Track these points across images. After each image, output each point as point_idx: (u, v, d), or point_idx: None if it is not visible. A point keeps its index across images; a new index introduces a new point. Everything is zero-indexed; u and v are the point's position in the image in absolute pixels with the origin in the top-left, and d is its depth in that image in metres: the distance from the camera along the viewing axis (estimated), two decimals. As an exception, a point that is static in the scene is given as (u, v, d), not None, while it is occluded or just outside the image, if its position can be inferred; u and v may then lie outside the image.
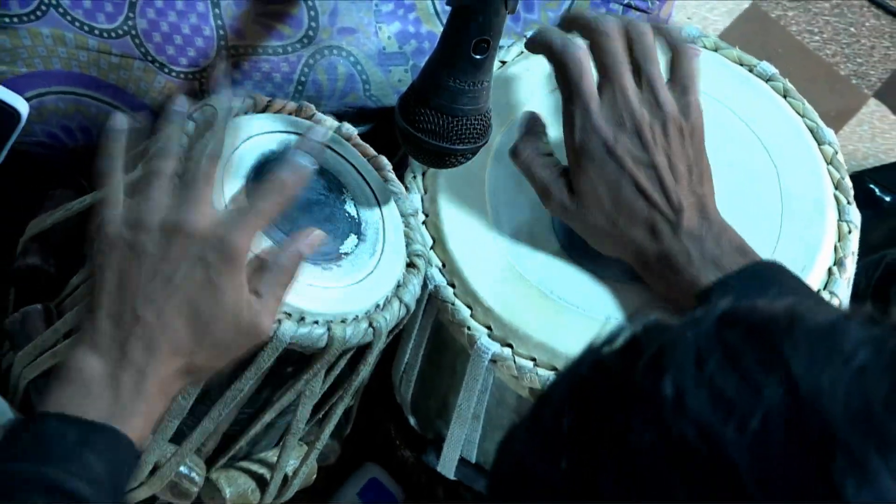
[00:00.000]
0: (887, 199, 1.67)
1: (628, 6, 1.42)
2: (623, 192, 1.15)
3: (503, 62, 1.33)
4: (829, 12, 1.90)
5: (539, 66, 1.32)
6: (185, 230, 1.00)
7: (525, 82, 1.32)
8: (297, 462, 1.25)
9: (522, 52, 1.34)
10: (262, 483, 1.25)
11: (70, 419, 0.96)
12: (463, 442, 1.29)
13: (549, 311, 1.20)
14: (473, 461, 1.32)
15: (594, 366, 0.66)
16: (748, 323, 0.63)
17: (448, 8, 1.11)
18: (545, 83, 1.31)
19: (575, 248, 1.23)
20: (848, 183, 1.27)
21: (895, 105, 1.85)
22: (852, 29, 1.89)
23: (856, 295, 1.29)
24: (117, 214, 1.01)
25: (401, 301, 1.17)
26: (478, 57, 1.10)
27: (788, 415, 0.59)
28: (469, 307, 1.22)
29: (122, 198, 1.02)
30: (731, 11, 1.88)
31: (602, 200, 1.16)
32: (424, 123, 1.13)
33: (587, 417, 0.64)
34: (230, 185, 1.13)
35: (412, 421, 1.38)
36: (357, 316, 1.14)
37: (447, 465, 1.32)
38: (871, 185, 1.67)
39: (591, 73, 1.17)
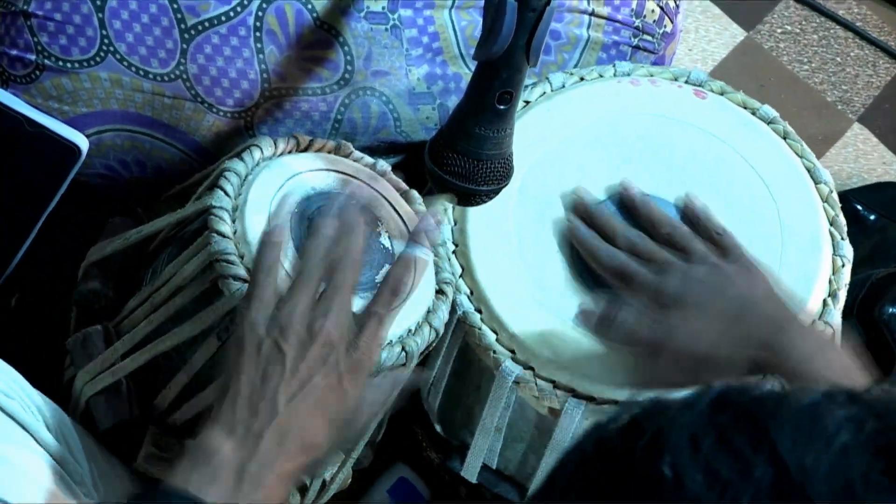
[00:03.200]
0: (871, 217, 1.66)
1: (636, 48, 1.41)
2: (729, 319, 1.13)
3: (526, 102, 1.32)
4: (816, 43, 1.89)
5: (559, 107, 1.31)
6: (324, 338, 0.98)
7: (547, 122, 1.31)
8: (334, 469, 1.25)
9: (544, 93, 1.33)
10: (301, 489, 1.24)
11: (192, 500, 0.93)
12: (485, 451, 1.29)
13: (568, 337, 1.20)
14: (494, 467, 1.32)
15: (598, 444, 0.65)
16: (738, 405, 0.62)
17: (473, 59, 1.10)
18: (565, 122, 1.30)
19: (591, 278, 1.22)
20: (842, 220, 1.27)
21: (877, 129, 1.84)
22: (838, 59, 1.88)
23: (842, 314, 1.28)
24: (265, 316, 1.00)
25: (431, 326, 1.16)
26: (501, 107, 1.10)
27: (776, 493, 0.59)
28: (495, 332, 1.22)
29: (272, 302, 1.00)
30: (727, 44, 1.87)
31: (710, 332, 1.12)
32: (451, 166, 1.12)
33: (592, 495, 0.63)
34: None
35: (438, 428, 1.37)
36: (391, 341, 1.13)
37: (470, 471, 1.32)
38: (856, 205, 1.66)
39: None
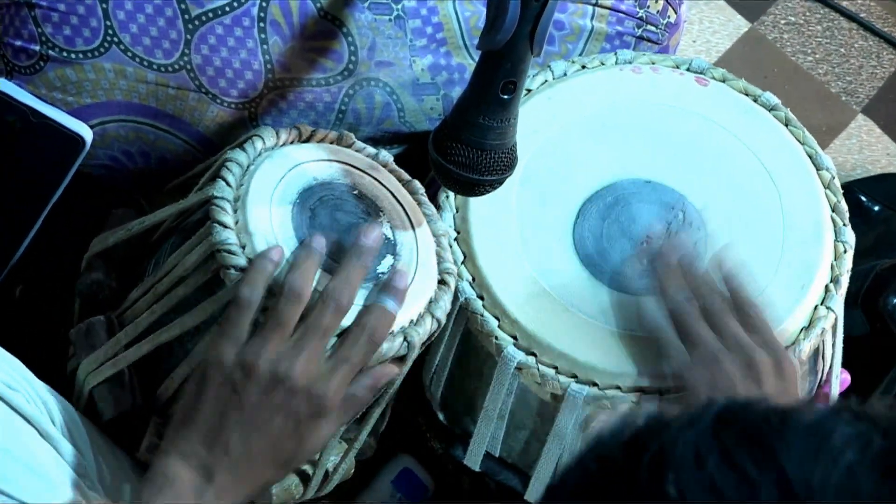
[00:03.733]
0: (875, 208, 1.66)
1: (640, 38, 1.41)
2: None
3: (528, 90, 1.32)
4: (820, 35, 1.89)
5: (561, 95, 1.32)
6: (288, 385, 1.00)
7: (548, 110, 1.31)
8: (337, 459, 1.25)
9: (546, 82, 1.33)
10: (304, 478, 1.24)
11: None
12: (488, 438, 1.29)
13: (570, 323, 1.20)
14: (497, 455, 1.32)
15: (600, 460, 0.65)
16: (743, 422, 0.62)
17: (476, 49, 1.10)
18: (567, 110, 1.30)
19: (595, 265, 1.22)
20: (843, 206, 1.27)
21: (881, 120, 1.84)
22: (842, 50, 1.88)
23: (846, 304, 1.28)
24: (233, 351, 1.00)
25: (433, 316, 1.16)
26: (505, 97, 1.09)
27: None
28: (497, 318, 1.22)
29: (245, 333, 1.01)
30: (731, 35, 1.87)
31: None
32: (455, 156, 1.12)
33: None
34: (277, 212, 1.13)
35: (441, 416, 1.37)
36: (393, 331, 1.13)
37: (473, 459, 1.32)
38: (860, 196, 1.66)
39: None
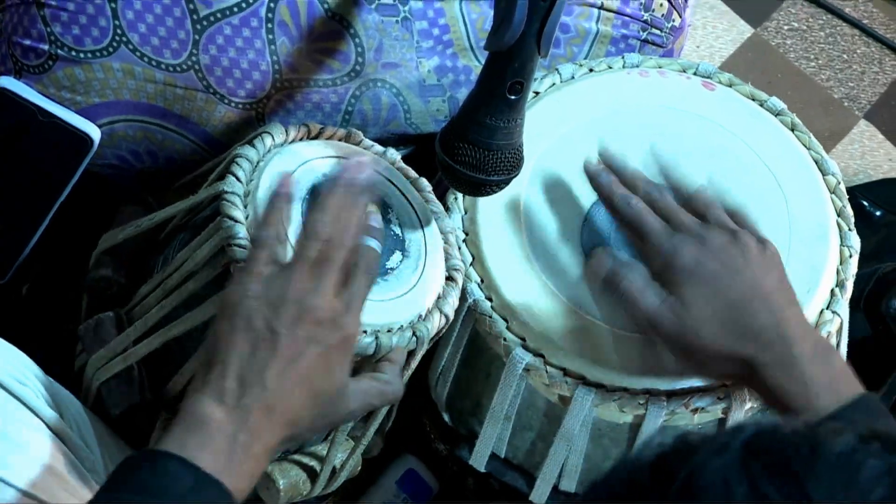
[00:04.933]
0: (877, 213, 1.66)
1: (645, 41, 1.41)
2: (737, 311, 1.11)
3: (536, 93, 1.32)
4: (823, 40, 1.89)
5: (569, 98, 1.32)
6: (314, 316, 0.99)
7: (556, 112, 1.31)
8: (344, 456, 1.25)
9: (553, 84, 1.33)
10: (312, 475, 1.25)
11: (189, 465, 0.93)
12: (494, 439, 1.29)
13: (579, 324, 1.20)
14: (502, 456, 1.32)
15: (629, 483, 0.64)
16: (772, 452, 0.62)
17: (484, 50, 1.10)
18: (575, 113, 1.31)
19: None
20: (849, 210, 1.27)
21: (883, 125, 1.84)
22: (845, 56, 1.89)
23: (849, 307, 1.28)
24: (259, 289, 1.00)
25: (441, 312, 1.17)
26: (512, 97, 1.10)
27: None
28: (505, 320, 1.22)
29: (266, 274, 1.01)
30: (734, 40, 1.88)
31: (714, 322, 1.11)
32: (462, 156, 1.12)
33: None
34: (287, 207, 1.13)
35: (446, 417, 1.37)
36: (402, 326, 1.14)
37: (479, 460, 1.32)
38: (862, 201, 1.67)
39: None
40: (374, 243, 1.06)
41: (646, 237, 1.14)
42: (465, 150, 1.12)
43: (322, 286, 1.00)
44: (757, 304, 1.10)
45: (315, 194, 1.16)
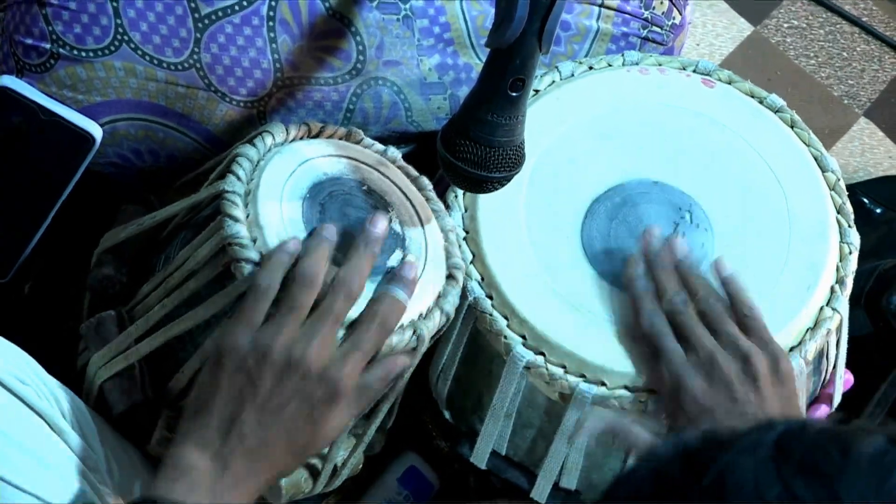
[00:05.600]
0: (877, 210, 1.66)
1: (645, 39, 1.41)
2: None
3: (536, 91, 1.32)
4: (823, 38, 1.89)
5: (569, 95, 1.32)
6: (303, 369, 1.00)
7: (556, 110, 1.31)
8: (346, 453, 1.25)
9: (553, 82, 1.33)
10: (314, 472, 1.24)
11: None
12: (495, 437, 1.29)
13: (578, 322, 1.20)
14: (503, 454, 1.32)
15: (657, 480, 0.64)
16: (803, 452, 0.61)
17: (485, 47, 1.10)
18: (575, 111, 1.31)
19: (602, 264, 1.23)
20: (848, 207, 1.27)
21: (883, 123, 1.84)
22: (844, 54, 1.89)
23: (849, 304, 1.28)
24: (247, 338, 1.01)
25: (441, 310, 1.17)
26: (514, 94, 1.10)
27: None
28: (506, 318, 1.22)
29: (260, 320, 1.02)
30: (734, 38, 1.88)
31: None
32: (464, 153, 1.12)
33: None
34: (288, 206, 1.13)
35: (447, 415, 1.37)
36: (402, 325, 1.13)
37: (480, 457, 1.32)
38: (862, 198, 1.67)
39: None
40: (401, 294, 1.07)
41: (661, 355, 1.14)
42: (467, 146, 1.11)
43: (314, 338, 1.01)
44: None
45: (315, 193, 1.16)
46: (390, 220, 1.17)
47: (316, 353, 1.01)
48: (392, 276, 1.11)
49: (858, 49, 1.89)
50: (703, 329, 1.14)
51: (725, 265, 1.18)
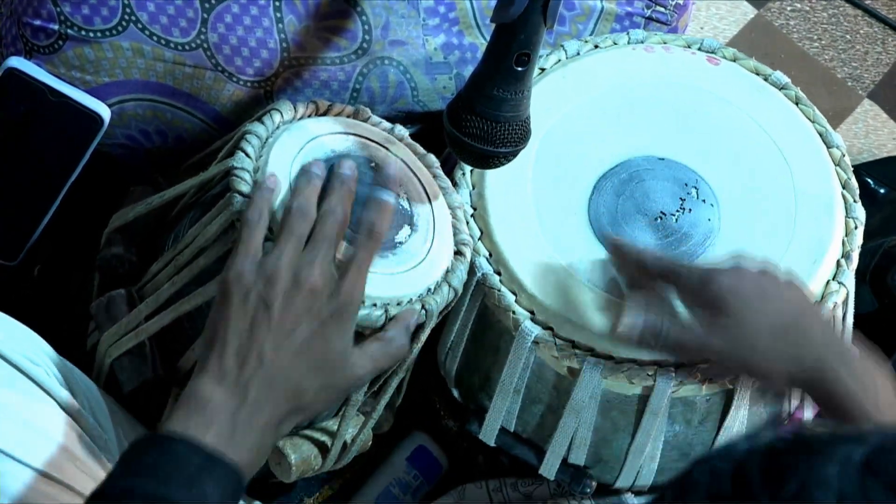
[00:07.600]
0: (881, 191, 1.66)
1: (649, 19, 1.41)
2: (789, 325, 1.11)
3: (542, 69, 1.32)
4: (826, 21, 1.89)
5: (574, 73, 1.32)
6: (308, 287, 1.01)
7: (562, 88, 1.31)
8: (355, 430, 1.25)
9: (559, 61, 1.33)
10: (323, 449, 1.24)
11: (195, 447, 0.94)
12: (504, 413, 1.29)
13: (587, 297, 1.20)
14: (512, 430, 1.32)
15: (736, 475, 0.63)
16: (890, 473, 0.60)
17: (490, 23, 1.10)
18: (581, 88, 1.31)
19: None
20: (854, 183, 1.27)
21: (887, 104, 1.84)
22: (848, 36, 1.88)
23: (854, 280, 1.28)
24: (253, 266, 1.02)
25: (450, 285, 1.17)
26: (519, 69, 1.09)
27: None
28: (514, 293, 1.22)
29: (260, 250, 1.03)
30: (738, 21, 1.87)
31: (767, 335, 1.11)
32: (470, 128, 1.12)
33: None
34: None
35: (455, 393, 1.37)
36: (411, 299, 1.13)
37: (488, 434, 1.32)
38: (867, 178, 1.66)
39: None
40: (387, 195, 1.07)
41: (680, 276, 1.14)
42: (473, 121, 1.11)
43: (315, 258, 1.01)
44: (800, 333, 1.11)
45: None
46: (398, 196, 1.17)
47: (319, 270, 1.01)
48: (374, 179, 1.12)
49: (862, 31, 1.89)
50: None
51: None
